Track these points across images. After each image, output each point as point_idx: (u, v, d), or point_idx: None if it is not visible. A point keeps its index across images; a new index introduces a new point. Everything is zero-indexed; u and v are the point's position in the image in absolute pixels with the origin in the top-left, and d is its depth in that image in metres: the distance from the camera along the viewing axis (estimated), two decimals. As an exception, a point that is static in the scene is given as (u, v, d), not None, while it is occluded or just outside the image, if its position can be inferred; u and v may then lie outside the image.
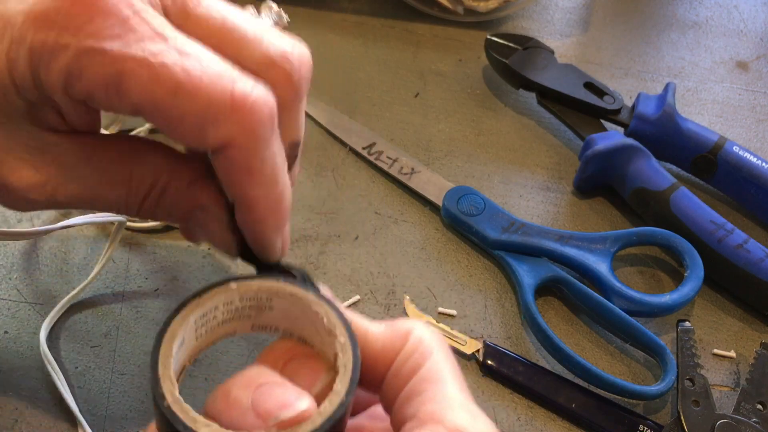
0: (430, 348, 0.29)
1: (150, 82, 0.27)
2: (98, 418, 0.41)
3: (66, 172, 0.31)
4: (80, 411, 0.41)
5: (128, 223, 0.48)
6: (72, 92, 0.28)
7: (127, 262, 0.48)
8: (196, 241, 0.36)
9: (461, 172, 0.55)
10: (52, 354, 0.43)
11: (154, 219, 0.34)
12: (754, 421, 0.42)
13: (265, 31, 0.31)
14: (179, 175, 0.32)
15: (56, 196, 0.31)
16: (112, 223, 0.47)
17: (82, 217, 0.47)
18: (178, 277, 0.48)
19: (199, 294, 0.29)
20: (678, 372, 0.43)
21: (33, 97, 0.29)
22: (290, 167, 0.33)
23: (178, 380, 0.28)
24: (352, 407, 0.28)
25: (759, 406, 0.43)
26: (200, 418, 0.26)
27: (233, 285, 0.30)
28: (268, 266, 0.33)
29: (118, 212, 0.33)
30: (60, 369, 0.42)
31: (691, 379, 0.43)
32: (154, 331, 0.44)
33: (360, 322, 0.30)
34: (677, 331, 0.45)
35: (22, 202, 0.31)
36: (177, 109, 0.27)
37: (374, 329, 0.30)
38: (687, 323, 0.45)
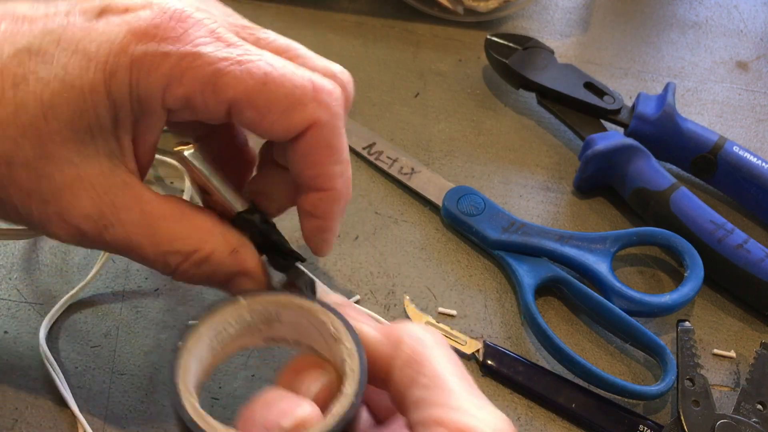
0: (424, 349, 0.29)
1: (243, 76, 0.31)
2: (98, 418, 0.41)
3: (118, 214, 0.32)
4: (80, 410, 0.41)
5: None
6: (170, 98, 0.31)
7: (128, 262, 0.48)
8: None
9: (461, 172, 0.55)
10: (52, 354, 0.43)
11: (190, 281, 0.35)
12: (754, 421, 0.42)
13: (321, 57, 0.36)
14: (224, 243, 0.34)
15: (104, 234, 0.32)
16: None
17: None
18: (178, 277, 0.48)
19: (210, 310, 0.31)
20: (678, 372, 0.43)
21: (124, 112, 0.31)
22: None
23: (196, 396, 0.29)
24: (362, 408, 0.29)
25: (759, 406, 0.43)
26: (223, 430, 0.27)
27: (242, 300, 0.31)
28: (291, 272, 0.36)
29: (155, 268, 0.34)
30: (60, 369, 0.42)
31: (691, 379, 0.43)
32: (154, 331, 0.45)
33: (359, 326, 0.31)
34: (677, 331, 0.45)
35: (70, 232, 0.32)
36: (267, 97, 0.32)
37: (366, 332, 0.31)
38: (687, 323, 0.45)
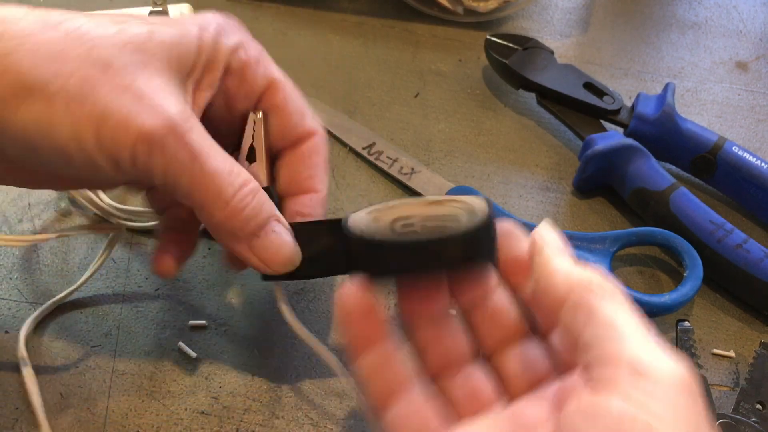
0: (604, 292, 0.30)
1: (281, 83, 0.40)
2: (98, 418, 0.41)
3: (197, 124, 0.35)
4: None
5: (128, 224, 0.48)
6: (234, 58, 0.38)
7: (128, 262, 0.48)
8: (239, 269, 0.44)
9: (461, 172, 0.56)
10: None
11: (237, 218, 0.36)
12: (754, 421, 0.42)
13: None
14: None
15: (188, 135, 0.34)
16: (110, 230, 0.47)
17: (85, 226, 0.47)
18: (179, 277, 0.48)
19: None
20: None
21: (201, 57, 0.36)
22: None
23: None
24: None
25: (758, 406, 0.43)
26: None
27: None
28: None
29: (206, 203, 0.35)
30: (32, 367, 0.43)
31: None
32: (154, 331, 0.45)
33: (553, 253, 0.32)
34: (676, 331, 0.45)
35: (157, 123, 0.33)
36: (291, 98, 0.41)
37: (561, 265, 0.31)
38: (686, 323, 0.46)
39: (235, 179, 0.35)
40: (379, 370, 0.33)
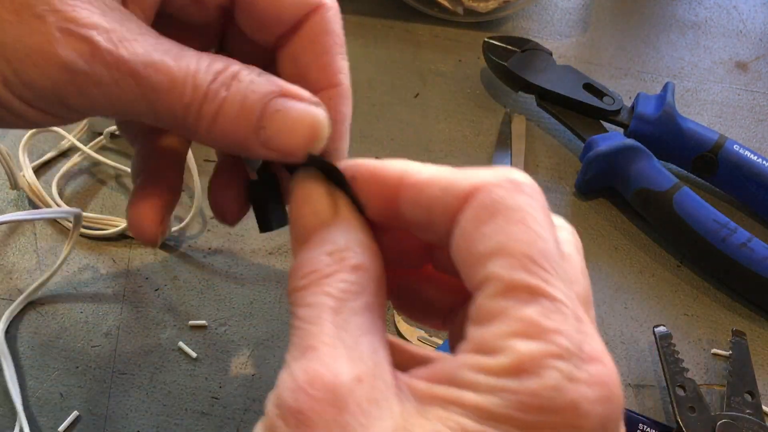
0: (505, 204, 0.23)
1: None
2: (98, 418, 0.41)
3: (132, 31, 0.27)
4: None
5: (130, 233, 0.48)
6: None
7: (128, 262, 0.48)
8: (224, 217, 0.34)
9: (461, 172, 0.55)
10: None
11: (221, 118, 0.28)
12: (748, 413, 0.42)
13: None
14: (250, 67, 0.29)
15: (120, 49, 0.26)
16: (68, 220, 0.47)
17: (35, 211, 0.47)
18: (179, 277, 0.48)
19: None
20: (666, 381, 0.43)
21: None
22: None
23: None
24: None
25: (748, 396, 0.43)
26: None
27: None
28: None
29: (182, 104, 0.27)
30: (14, 365, 0.43)
31: (681, 386, 0.43)
32: (154, 331, 0.45)
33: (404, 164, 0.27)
34: (655, 339, 0.45)
35: (84, 47, 0.26)
36: None
37: (425, 172, 0.26)
38: (662, 327, 0.45)
39: (203, 74, 0.27)
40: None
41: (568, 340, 0.21)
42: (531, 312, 0.21)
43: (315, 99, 0.28)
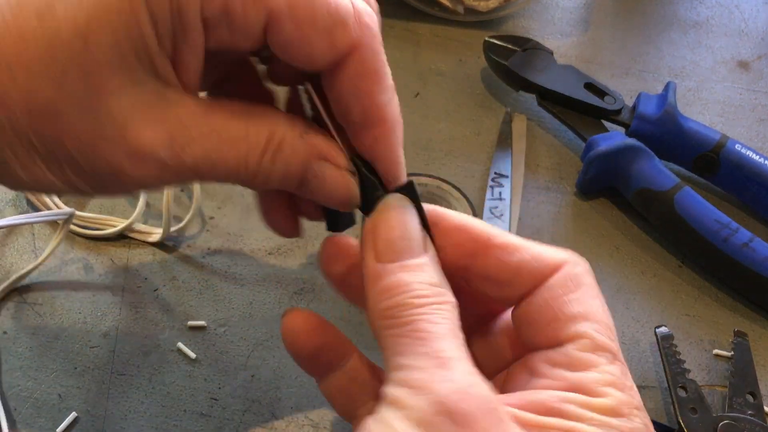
0: (587, 281, 0.30)
1: None
2: (98, 418, 0.41)
3: (188, 132, 0.30)
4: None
5: (129, 234, 0.48)
6: (209, 6, 0.28)
7: (127, 262, 0.48)
8: (286, 232, 0.37)
9: (461, 172, 0.55)
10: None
11: (271, 182, 0.32)
12: (750, 414, 0.42)
13: None
14: (291, 126, 0.31)
15: (184, 157, 0.29)
16: (57, 222, 0.47)
17: (28, 215, 0.47)
18: (178, 277, 0.47)
19: None
20: (668, 382, 0.43)
21: (164, 27, 0.28)
22: None
23: None
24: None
25: (750, 398, 0.43)
26: None
27: None
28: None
29: (236, 177, 0.31)
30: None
31: (683, 387, 0.43)
32: (153, 331, 0.45)
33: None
34: (657, 339, 0.45)
35: (149, 168, 0.29)
36: (309, 11, 0.29)
37: (513, 238, 0.31)
38: (664, 328, 0.45)
39: (252, 154, 0.30)
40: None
41: (638, 398, 0.28)
42: (616, 370, 0.28)
43: (348, 166, 0.32)
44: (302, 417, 0.42)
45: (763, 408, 0.43)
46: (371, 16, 0.31)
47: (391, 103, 0.32)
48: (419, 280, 0.29)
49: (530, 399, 0.27)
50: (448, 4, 0.64)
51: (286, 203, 0.36)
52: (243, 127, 0.31)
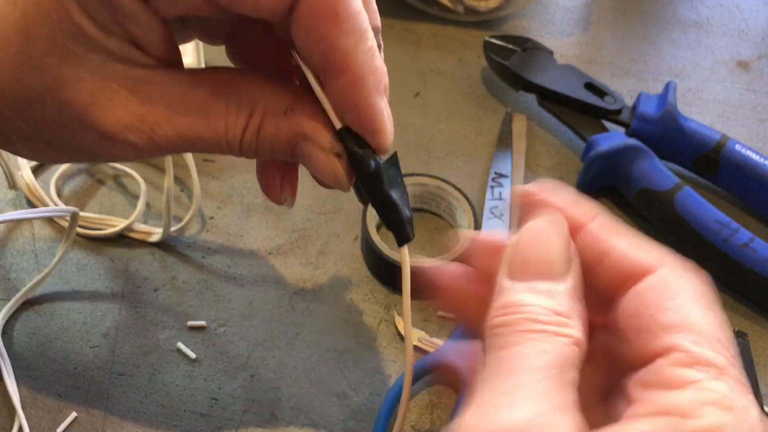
0: (688, 286, 0.26)
1: None
2: (96, 419, 0.41)
3: (161, 110, 0.29)
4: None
5: (128, 234, 0.48)
6: None
7: (127, 262, 0.48)
8: (280, 201, 0.35)
9: (461, 172, 0.55)
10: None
11: (259, 157, 0.32)
12: None
13: None
14: (274, 102, 0.30)
15: (155, 137, 0.29)
16: (65, 219, 0.47)
17: (30, 210, 0.47)
18: (177, 277, 0.47)
19: None
20: None
21: (102, 17, 0.27)
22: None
23: None
24: None
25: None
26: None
27: None
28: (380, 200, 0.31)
29: (220, 151, 0.31)
30: (11, 365, 0.42)
31: None
32: (153, 331, 0.44)
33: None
34: None
35: (122, 148, 0.30)
36: None
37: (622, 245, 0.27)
38: None
39: (232, 134, 0.30)
40: None
41: (753, 417, 0.23)
42: (721, 387, 0.23)
43: (334, 147, 0.30)
44: (302, 417, 0.42)
45: (763, 408, 0.43)
46: None
47: (358, 48, 0.28)
48: (542, 304, 0.25)
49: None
50: (448, 3, 0.64)
51: (282, 168, 0.35)
52: (222, 104, 0.30)
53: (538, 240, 0.27)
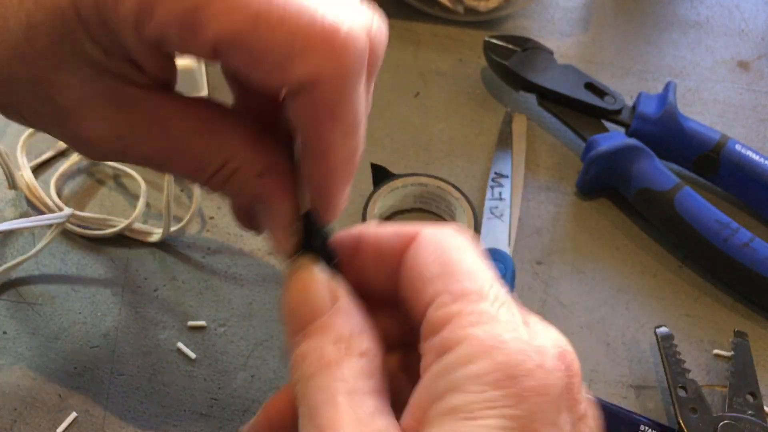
0: (445, 241, 0.27)
1: (228, 11, 0.25)
2: (96, 419, 0.41)
3: (141, 132, 0.29)
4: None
5: (128, 234, 0.48)
6: (144, 33, 0.26)
7: (127, 262, 0.48)
8: (247, 229, 0.35)
9: (461, 172, 0.55)
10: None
11: (221, 194, 0.32)
12: (750, 414, 0.42)
13: None
14: (251, 161, 0.30)
15: (126, 154, 0.30)
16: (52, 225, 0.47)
17: (26, 220, 0.47)
18: (177, 277, 0.47)
19: None
20: (668, 382, 0.43)
21: (104, 42, 0.27)
22: None
23: None
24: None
25: (750, 398, 0.43)
26: None
27: None
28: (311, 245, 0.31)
29: (187, 180, 0.33)
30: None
31: (683, 387, 0.43)
32: (153, 331, 0.44)
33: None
34: (657, 339, 0.44)
35: (92, 151, 0.31)
36: (259, 41, 0.25)
37: (373, 228, 0.30)
38: (664, 328, 0.45)
39: (205, 170, 0.30)
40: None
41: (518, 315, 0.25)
42: (482, 306, 0.24)
43: (292, 226, 0.30)
44: (302, 417, 0.42)
45: (763, 408, 0.43)
46: (347, 41, 0.26)
47: (346, 143, 0.28)
48: (320, 344, 0.26)
49: (413, 404, 0.25)
50: (448, 3, 0.64)
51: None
52: (200, 145, 0.30)
53: (294, 291, 0.28)
